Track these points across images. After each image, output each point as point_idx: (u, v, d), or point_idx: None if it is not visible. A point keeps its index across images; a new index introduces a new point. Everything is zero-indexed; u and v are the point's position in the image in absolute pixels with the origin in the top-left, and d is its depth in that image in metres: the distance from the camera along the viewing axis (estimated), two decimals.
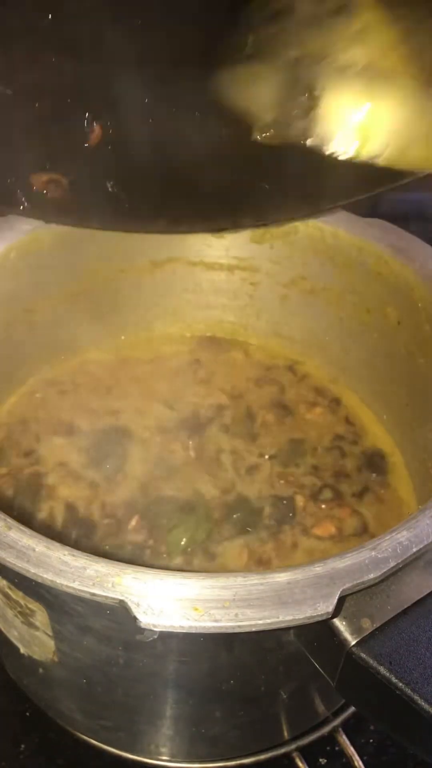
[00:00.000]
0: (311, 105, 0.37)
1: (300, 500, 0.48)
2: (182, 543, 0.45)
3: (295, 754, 0.45)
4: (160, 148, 0.40)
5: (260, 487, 0.49)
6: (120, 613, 0.29)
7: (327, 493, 0.48)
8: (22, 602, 0.35)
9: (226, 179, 0.42)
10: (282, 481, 0.49)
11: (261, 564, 0.45)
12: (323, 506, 0.48)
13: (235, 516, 0.47)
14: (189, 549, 0.45)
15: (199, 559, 0.45)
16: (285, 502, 0.48)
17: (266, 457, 0.50)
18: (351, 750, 0.46)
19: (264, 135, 0.38)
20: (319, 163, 0.39)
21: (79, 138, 0.39)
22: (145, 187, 0.42)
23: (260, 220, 0.48)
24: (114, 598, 0.29)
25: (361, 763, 0.45)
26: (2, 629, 0.40)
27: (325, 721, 0.46)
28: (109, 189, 0.41)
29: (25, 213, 0.43)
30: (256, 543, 0.46)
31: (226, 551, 0.45)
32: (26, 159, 0.40)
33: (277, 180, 0.42)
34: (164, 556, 0.45)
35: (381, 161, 0.38)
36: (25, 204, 0.41)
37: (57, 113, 0.39)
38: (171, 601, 0.29)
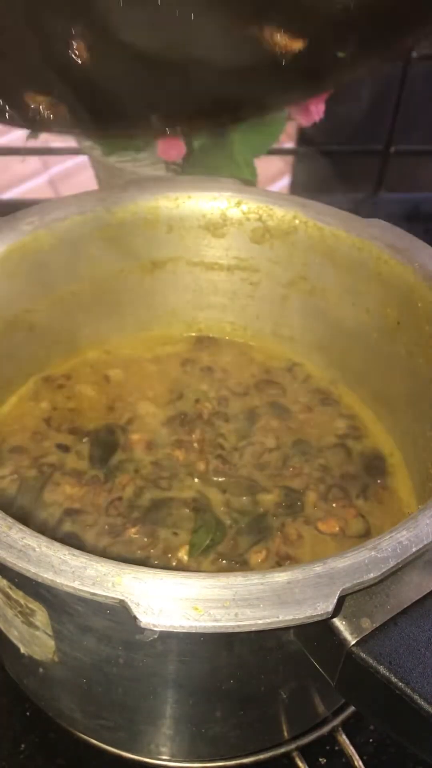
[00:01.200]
0: None
1: (309, 497, 0.48)
2: (206, 543, 0.45)
3: (294, 754, 0.45)
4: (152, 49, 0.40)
5: (265, 485, 0.49)
6: (120, 613, 0.29)
7: (335, 493, 0.48)
8: (22, 602, 0.35)
9: (220, 73, 0.42)
10: (284, 482, 0.49)
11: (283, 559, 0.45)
12: (333, 505, 0.48)
13: (244, 518, 0.47)
14: (211, 551, 0.45)
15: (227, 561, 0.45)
16: (292, 501, 0.48)
17: (267, 457, 0.50)
18: (351, 750, 0.46)
19: None
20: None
21: (65, 56, 0.39)
22: (138, 90, 0.42)
23: (260, 111, 0.48)
24: (114, 598, 0.29)
25: (360, 762, 0.45)
26: (2, 629, 0.40)
27: (324, 721, 0.46)
28: (103, 99, 0.41)
29: (12, 123, 0.43)
30: (270, 542, 0.46)
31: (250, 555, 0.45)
32: (13, 75, 0.41)
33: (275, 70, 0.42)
34: (177, 559, 0.45)
35: None
36: (12, 115, 0.41)
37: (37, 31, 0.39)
38: (171, 601, 0.29)
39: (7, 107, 0.40)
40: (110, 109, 0.42)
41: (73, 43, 0.38)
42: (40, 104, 0.40)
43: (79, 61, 0.38)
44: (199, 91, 0.42)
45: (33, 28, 0.39)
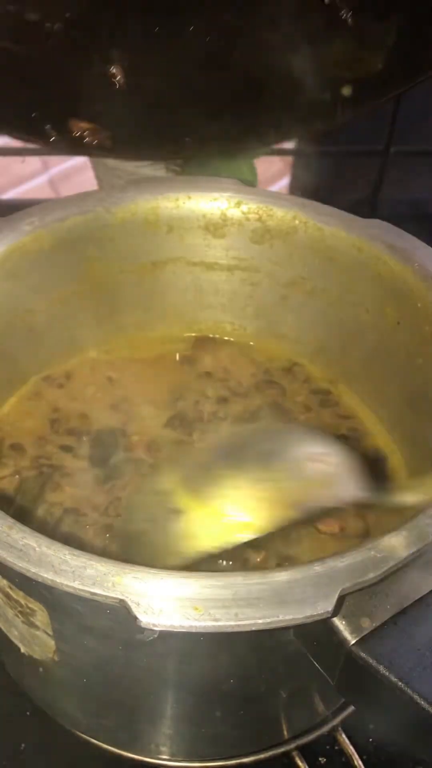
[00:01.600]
0: None
1: None
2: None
3: (294, 753, 0.46)
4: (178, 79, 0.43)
5: None
6: (120, 613, 0.29)
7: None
8: (22, 602, 0.35)
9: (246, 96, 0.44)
10: None
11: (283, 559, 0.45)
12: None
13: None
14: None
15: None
16: None
17: None
18: (351, 749, 0.46)
19: None
20: None
21: (104, 82, 0.41)
22: (170, 115, 0.44)
23: (282, 136, 0.50)
24: (114, 598, 0.29)
25: (360, 762, 0.45)
26: (3, 629, 0.41)
27: (324, 721, 0.46)
28: (140, 123, 0.43)
29: (56, 148, 0.46)
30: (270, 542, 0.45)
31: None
32: (59, 103, 0.43)
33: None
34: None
35: None
36: (58, 140, 0.43)
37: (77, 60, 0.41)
38: (171, 601, 0.29)
39: (54, 133, 0.42)
40: (147, 132, 0.44)
41: (111, 67, 0.40)
42: (84, 131, 0.42)
43: (117, 84, 0.40)
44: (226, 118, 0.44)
45: (75, 55, 0.41)
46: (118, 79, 0.42)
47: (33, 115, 0.44)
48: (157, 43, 0.44)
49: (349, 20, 0.42)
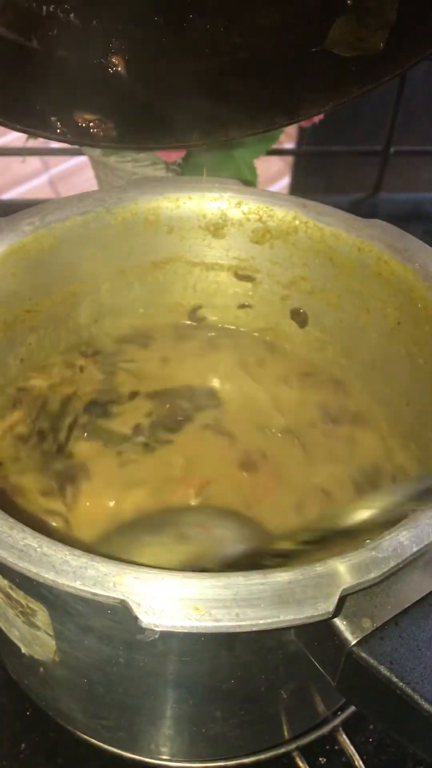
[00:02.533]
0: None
1: None
2: None
3: (295, 754, 0.46)
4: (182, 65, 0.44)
5: None
6: (121, 613, 0.29)
7: None
8: (23, 602, 0.35)
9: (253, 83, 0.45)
10: None
11: None
12: None
13: None
14: None
15: None
16: None
17: None
18: (351, 749, 0.46)
19: None
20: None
21: (104, 71, 0.42)
22: (173, 103, 0.44)
23: (293, 117, 0.50)
24: (115, 598, 0.29)
25: (361, 762, 0.45)
26: (3, 629, 0.41)
27: (325, 721, 0.47)
28: (144, 112, 0.43)
29: (62, 139, 0.46)
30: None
31: None
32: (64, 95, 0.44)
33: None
34: None
35: None
36: (64, 131, 0.43)
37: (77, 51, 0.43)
38: (172, 601, 0.29)
39: (59, 124, 0.42)
40: (152, 121, 0.45)
41: (111, 56, 0.40)
42: (89, 122, 0.42)
43: (119, 71, 0.40)
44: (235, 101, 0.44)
45: (74, 45, 0.41)
46: (118, 68, 0.42)
47: (37, 107, 0.44)
48: (157, 30, 0.44)
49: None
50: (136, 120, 0.46)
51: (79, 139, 0.46)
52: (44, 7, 0.42)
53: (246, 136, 0.50)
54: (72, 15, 0.41)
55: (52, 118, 0.43)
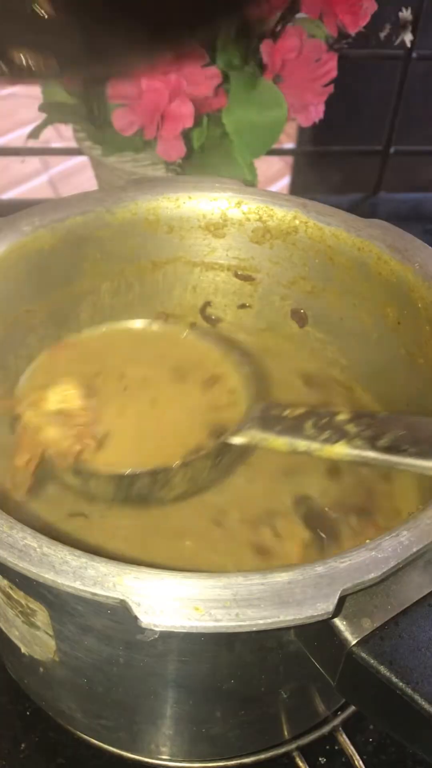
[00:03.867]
0: None
1: None
2: None
3: (295, 754, 0.46)
4: None
5: None
6: (121, 613, 0.29)
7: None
8: (23, 602, 0.35)
9: None
10: None
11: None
12: None
13: None
14: None
15: None
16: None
17: None
18: (351, 749, 0.46)
19: None
20: None
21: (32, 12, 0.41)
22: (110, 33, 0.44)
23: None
24: (115, 598, 0.29)
25: (360, 762, 0.45)
26: (3, 629, 0.41)
27: (325, 721, 0.47)
28: (79, 46, 0.43)
29: (6, 79, 0.45)
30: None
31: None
32: None
33: None
34: None
35: None
36: (2, 70, 0.43)
37: None
38: (172, 601, 0.29)
39: (2, 64, 0.41)
40: (93, 49, 0.44)
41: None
42: (27, 59, 0.41)
43: (45, 16, 0.39)
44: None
45: None
46: (45, 11, 0.41)
47: None
48: None
49: None
50: (76, 54, 0.45)
51: (21, 76, 0.46)
52: None
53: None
54: None
55: None
